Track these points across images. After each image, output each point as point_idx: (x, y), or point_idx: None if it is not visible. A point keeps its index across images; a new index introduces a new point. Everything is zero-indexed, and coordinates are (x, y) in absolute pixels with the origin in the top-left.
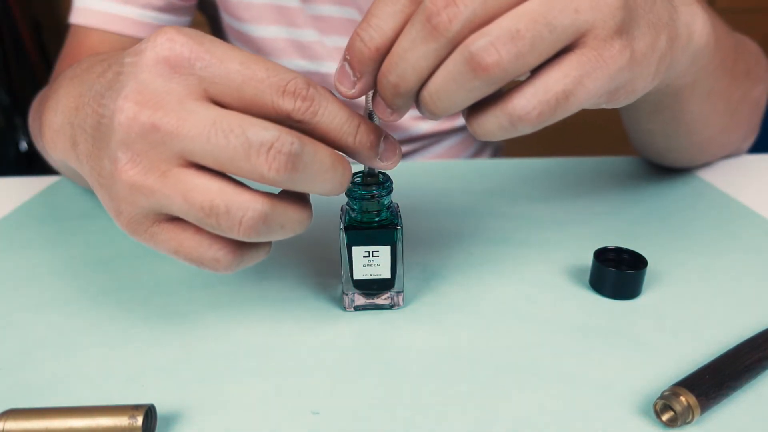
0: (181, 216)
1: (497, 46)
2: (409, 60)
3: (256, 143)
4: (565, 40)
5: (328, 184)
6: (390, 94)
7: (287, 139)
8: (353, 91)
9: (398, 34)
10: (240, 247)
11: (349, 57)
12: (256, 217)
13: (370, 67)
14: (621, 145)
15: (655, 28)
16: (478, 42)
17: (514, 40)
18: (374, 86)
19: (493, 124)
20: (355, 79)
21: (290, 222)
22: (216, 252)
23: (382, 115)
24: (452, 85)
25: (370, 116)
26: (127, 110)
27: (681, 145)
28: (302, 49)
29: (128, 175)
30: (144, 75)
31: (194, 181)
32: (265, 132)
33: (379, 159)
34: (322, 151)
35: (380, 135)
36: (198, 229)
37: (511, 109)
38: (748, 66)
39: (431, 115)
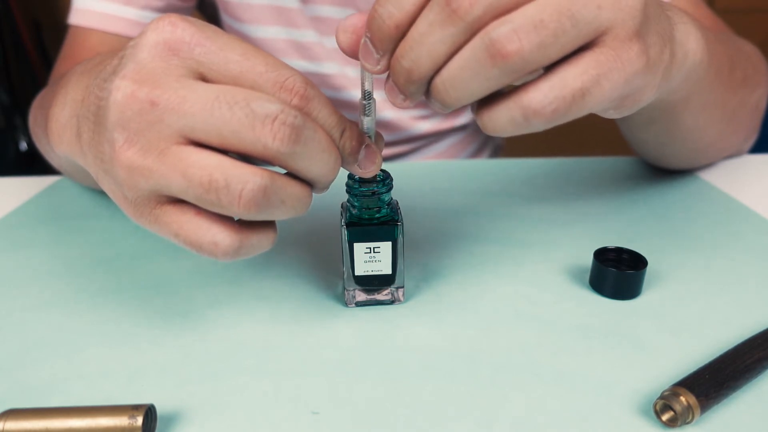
0: (181, 195)
1: (519, 34)
2: (424, 44)
3: (261, 114)
4: (586, 35)
5: (324, 164)
6: (403, 80)
7: (291, 112)
8: (378, 67)
9: (419, 11)
10: (240, 230)
11: (370, 34)
12: (256, 189)
13: (391, 44)
14: (621, 145)
15: (662, 39)
16: (499, 28)
17: (537, 29)
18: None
19: (505, 118)
20: (379, 56)
21: (290, 198)
22: (215, 235)
23: (394, 100)
24: (468, 73)
25: (368, 96)
26: (123, 88)
27: (677, 152)
28: (302, 49)
29: (125, 156)
30: (143, 55)
31: (192, 157)
32: (270, 104)
33: (357, 165)
34: (320, 131)
35: (362, 143)
36: (198, 212)
37: (526, 102)
38: (745, 73)
39: (442, 105)
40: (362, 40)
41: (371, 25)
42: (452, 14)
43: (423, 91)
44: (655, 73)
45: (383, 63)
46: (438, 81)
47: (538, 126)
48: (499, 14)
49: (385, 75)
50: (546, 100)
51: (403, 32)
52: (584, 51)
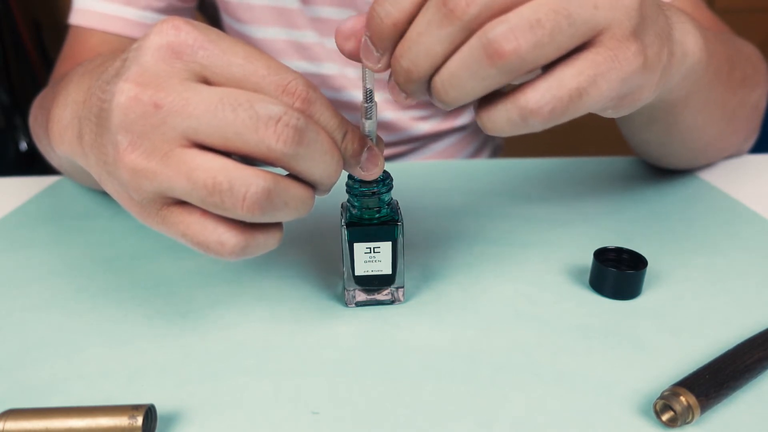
0: (186, 198)
1: (516, 33)
2: (422, 44)
3: (265, 116)
4: (582, 35)
5: (327, 166)
6: (403, 79)
7: (294, 114)
8: (379, 65)
9: (417, 9)
10: (246, 230)
11: (369, 33)
12: (259, 192)
13: (390, 42)
14: (621, 145)
15: (660, 39)
16: (496, 28)
17: (533, 29)
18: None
19: (503, 118)
20: (379, 54)
21: (294, 200)
22: (221, 234)
23: (396, 98)
24: (465, 73)
25: (370, 94)
26: (127, 91)
27: (677, 152)
28: (302, 50)
29: (130, 159)
30: (146, 58)
31: (196, 160)
32: (273, 106)
33: (360, 168)
34: (323, 133)
35: (364, 145)
36: (204, 212)
37: (524, 102)
38: (744, 73)
39: (443, 104)
40: (363, 39)
41: (370, 23)
42: (449, 14)
43: (424, 89)
44: (653, 73)
45: (384, 61)
46: (437, 80)
47: (537, 126)
48: (496, 14)
49: (385, 76)
50: (543, 101)
51: (401, 31)
52: (581, 51)
